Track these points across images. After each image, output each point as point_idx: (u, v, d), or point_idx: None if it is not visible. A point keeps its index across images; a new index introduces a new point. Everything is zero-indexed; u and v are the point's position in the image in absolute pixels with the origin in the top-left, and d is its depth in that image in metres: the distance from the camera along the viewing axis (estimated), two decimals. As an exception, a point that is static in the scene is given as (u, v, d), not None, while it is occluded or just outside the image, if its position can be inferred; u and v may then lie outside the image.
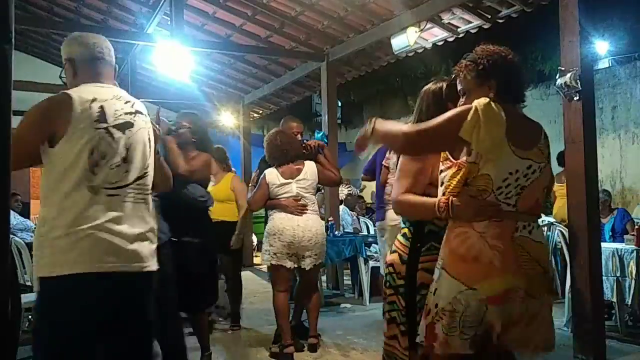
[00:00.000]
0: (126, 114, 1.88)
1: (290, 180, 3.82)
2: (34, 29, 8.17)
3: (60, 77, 2.01)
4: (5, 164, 1.24)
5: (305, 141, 4.11)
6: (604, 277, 4.08)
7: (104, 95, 1.85)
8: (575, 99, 3.59)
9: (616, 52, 8.95)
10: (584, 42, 3.60)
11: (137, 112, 1.94)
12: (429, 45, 5.84)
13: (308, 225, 3.75)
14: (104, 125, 1.80)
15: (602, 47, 8.45)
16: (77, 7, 7.39)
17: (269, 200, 3.86)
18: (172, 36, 5.36)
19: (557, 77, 3.67)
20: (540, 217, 1.88)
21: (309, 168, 3.89)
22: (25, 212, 7.48)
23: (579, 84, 3.53)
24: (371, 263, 5.57)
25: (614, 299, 4.22)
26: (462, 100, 1.94)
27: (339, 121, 9.47)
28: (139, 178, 1.89)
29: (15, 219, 6.16)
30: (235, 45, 7.00)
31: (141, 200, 1.90)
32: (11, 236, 2.38)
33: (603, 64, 9.08)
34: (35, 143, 1.77)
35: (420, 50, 5.97)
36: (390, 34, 5.61)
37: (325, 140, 6.48)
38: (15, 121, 1.43)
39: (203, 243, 3.28)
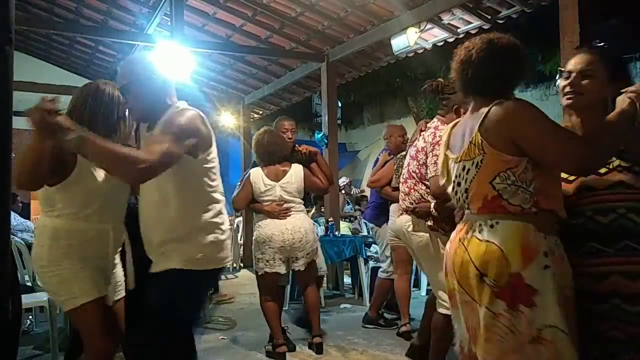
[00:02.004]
0: None
1: (274, 183, 3.75)
2: (34, 30, 8.17)
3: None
4: (6, 164, 1.24)
5: (297, 146, 4.03)
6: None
7: None
8: (575, 99, 3.58)
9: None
10: (584, 42, 3.60)
11: None
12: (429, 46, 5.85)
13: (296, 227, 3.70)
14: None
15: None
16: (77, 7, 7.40)
17: (253, 203, 3.80)
18: (172, 37, 5.36)
19: (557, 77, 3.66)
20: (500, 214, 1.66)
21: (295, 171, 3.81)
22: (25, 213, 7.47)
23: (578, 85, 3.53)
24: (371, 263, 5.56)
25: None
26: None
27: (339, 121, 9.43)
28: None
29: (15, 219, 6.15)
30: (235, 45, 7.01)
31: None
32: (11, 237, 2.37)
33: (603, 64, 9.07)
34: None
35: (420, 51, 5.98)
36: (390, 35, 5.62)
37: (325, 141, 6.55)
38: (16, 121, 1.42)
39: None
